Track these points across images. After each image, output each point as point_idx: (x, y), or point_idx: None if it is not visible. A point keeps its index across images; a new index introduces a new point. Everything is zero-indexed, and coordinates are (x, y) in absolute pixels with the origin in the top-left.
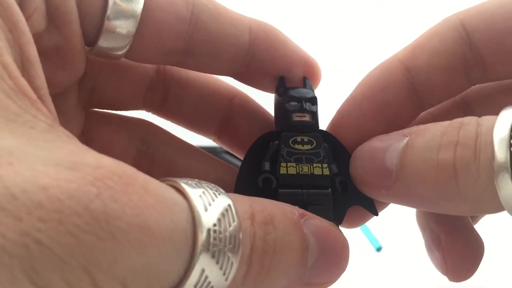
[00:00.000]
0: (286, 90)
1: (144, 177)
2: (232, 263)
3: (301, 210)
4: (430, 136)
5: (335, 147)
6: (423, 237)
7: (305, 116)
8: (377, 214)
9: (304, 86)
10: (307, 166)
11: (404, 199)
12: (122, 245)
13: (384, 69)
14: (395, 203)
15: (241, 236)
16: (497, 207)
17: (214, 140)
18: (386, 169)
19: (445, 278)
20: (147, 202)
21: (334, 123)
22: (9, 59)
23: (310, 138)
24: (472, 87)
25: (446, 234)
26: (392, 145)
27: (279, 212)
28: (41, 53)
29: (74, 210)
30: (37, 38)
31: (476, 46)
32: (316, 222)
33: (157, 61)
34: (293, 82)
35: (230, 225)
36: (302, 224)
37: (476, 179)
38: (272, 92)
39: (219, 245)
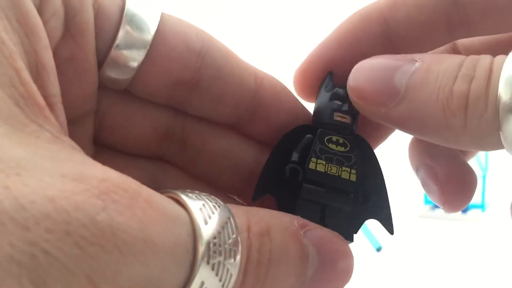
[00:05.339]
0: (333, 87)
1: (147, 191)
2: (231, 275)
3: (302, 221)
4: (447, 65)
5: (368, 157)
6: (418, 175)
7: (345, 118)
8: (393, 233)
9: None
10: (336, 167)
11: (403, 121)
12: (126, 257)
13: (363, 17)
14: (389, 124)
15: (239, 248)
16: (495, 145)
17: (236, 197)
18: (394, 87)
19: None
20: (150, 216)
21: (305, 63)
22: (22, 65)
23: (345, 141)
24: (460, 40)
25: (442, 167)
26: (402, 66)
27: (276, 223)
28: (56, 65)
29: (81, 222)
30: (54, 48)
31: (462, 3)
32: (317, 233)
33: (163, 91)
34: (341, 81)
35: (229, 238)
36: (302, 234)
37: (483, 112)
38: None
39: (219, 257)
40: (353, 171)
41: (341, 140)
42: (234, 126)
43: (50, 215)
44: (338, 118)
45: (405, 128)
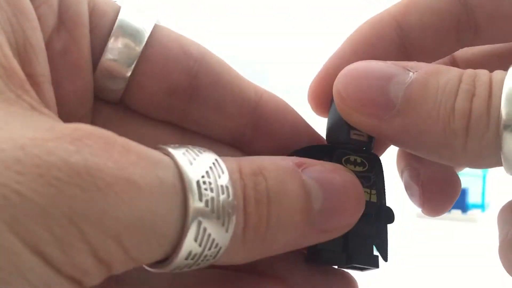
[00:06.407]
0: None
1: (124, 140)
2: (229, 214)
3: (299, 159)
4: (446, 79)
5: (381, 177)
6: (402, 178)
7: (363, 136)
8: (387, 260)
9: None
10: None
11: (398, 136)
12: (108, 196)
13: (376, 23)
14: (382, 137)
15: (231, 186)
16: (493, 164)
17: None
18: (389, 99)
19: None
20: (129, 159)
21: (320, 76)
22: (2, 40)
23: (363, 160)
24: (461, 49)
25: (425, 169)
26: (397, 76)
27: (269, 163)
28: (49, 58)
29: (53, 165)
30: (47, 39)
31: (470, 6)
32: (317, 168)
33: (160, 99)
34: None
35: (219, 176)
36: (301, 172)
37: (485, 132)
38: None
39: (211, 195)
40: (373, 191)
41: (359, 160)
42: (237, 144)
43: (20, 160)
44: (355, 137)
45: (399, 142)
